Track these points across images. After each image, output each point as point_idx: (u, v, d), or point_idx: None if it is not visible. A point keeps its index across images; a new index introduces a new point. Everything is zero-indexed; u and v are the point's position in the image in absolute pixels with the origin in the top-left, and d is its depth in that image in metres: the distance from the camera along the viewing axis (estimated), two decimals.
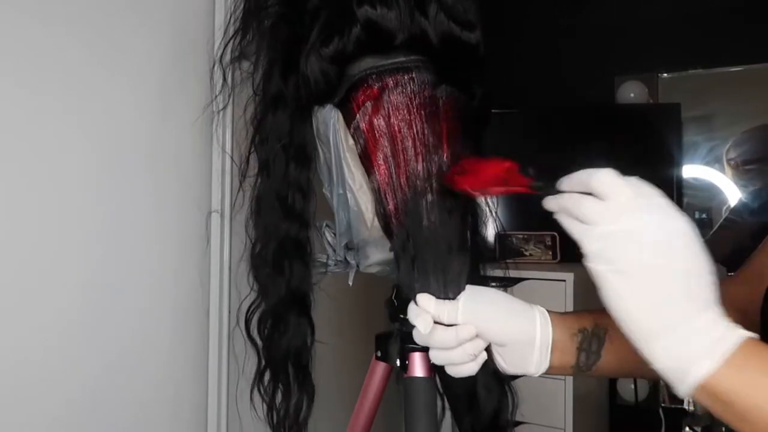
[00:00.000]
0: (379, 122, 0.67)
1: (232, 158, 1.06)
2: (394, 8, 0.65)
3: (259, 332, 0.75)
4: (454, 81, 0.69)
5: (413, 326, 0.64)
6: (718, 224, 2.07)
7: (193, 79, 1.00)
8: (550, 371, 0.66)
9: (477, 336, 0.62)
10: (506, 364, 0.64)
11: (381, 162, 0.67)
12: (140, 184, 0.95)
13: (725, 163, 2.14)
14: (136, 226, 0.95)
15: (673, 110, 1.98)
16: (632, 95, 2.16)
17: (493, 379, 0.66)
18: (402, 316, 0.76)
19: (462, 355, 0.62)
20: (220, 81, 0.78)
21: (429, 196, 0.66)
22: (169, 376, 1.02)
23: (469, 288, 0.64)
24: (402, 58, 0.68)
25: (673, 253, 0.48)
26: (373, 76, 0.67)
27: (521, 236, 1.95)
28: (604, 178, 0.51)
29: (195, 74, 1.00)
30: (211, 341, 1.08)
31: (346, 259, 0.78)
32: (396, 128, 0.67)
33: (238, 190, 0.79)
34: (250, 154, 0.76)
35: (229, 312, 1.09)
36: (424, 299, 0.63)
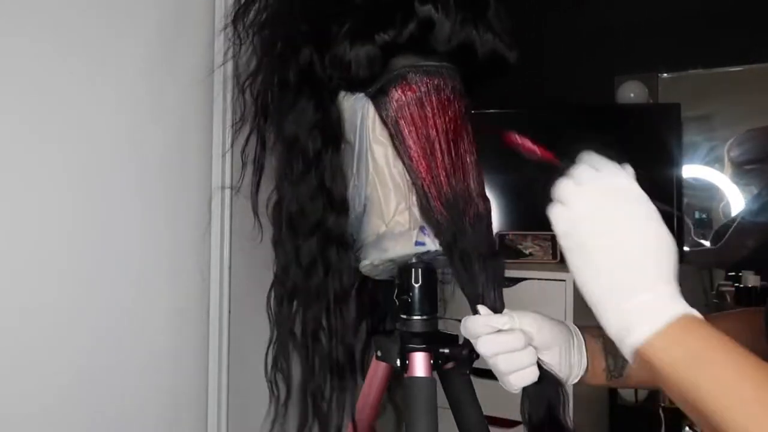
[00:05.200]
0: (419, 120, 0.69)
1: (233, 125, 1.04)
2: (451, 17, 0.68)
3: (312, 333, 0.73)
4: (477, 91, 0.73)
5: (471, 339, 0.65)
6: (732, 228, 2.07)
7: (190, 74, 0.99)
8: (587, 378, 0.70)
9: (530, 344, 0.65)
10: (555, 368, 0.67)
11: (421, 159, 0.69)
12: (137, 181, 0.95)
13: (726, 160, 2.14)
14: (133, 222, 0.94)
15: (673, 110, 1.97)
16: (632, 95, 2.16)
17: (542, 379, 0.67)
18: (402, 316, 0.76)
19: (530, 356, 0.64)
20: (225, 47, 0.78)
21: (471, 205, 0.69)
22: (169, 376, 1.02)
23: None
24: (437, 63, 0.70)
25: (626, 233, 0.52)
26: (413, 74, 0.69)
27: (521, 236, 1.95)
28: (581, 167, 0.57)
29: (194, 48, 0.99)
30: (211, 341, 1.08)
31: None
32: (435, 129, 0.69)
33: (241, 176, 0.78)
34: (250, 134, 0.76)
35: (230, 312, 1.09)
36: (485, 309, 0.65)
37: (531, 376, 0.64)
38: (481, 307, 0.65)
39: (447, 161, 0.68)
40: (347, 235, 0.73)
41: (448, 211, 0.68)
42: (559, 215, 0.56)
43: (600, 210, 0.54)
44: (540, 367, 0.65)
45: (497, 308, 0.66)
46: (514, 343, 0.63)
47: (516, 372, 0.64)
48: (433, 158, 0.68)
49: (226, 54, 0.79)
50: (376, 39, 0.67)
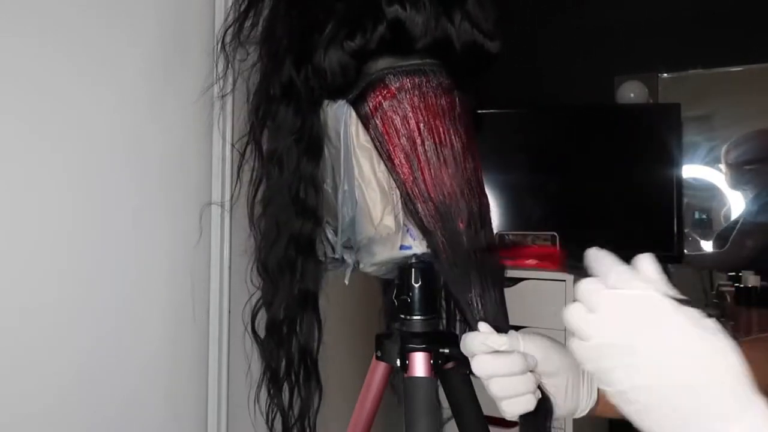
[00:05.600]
0: (398, 122, 0.68)
1: (233, 145, 1.04)
2: (422, 12, 0.66)
3: (268, 332, 0.74)
4: (466, 86, 0.71)
5: (468, 356, 0.61)
6: (736, 230, 2.07)
7: (189, 67, 1.00)
8: (599, 409, 0.63)
9: (533, 370, 0.61)
10: (561, 398, 0.62)
11: (403, 161, 0.68)
12: (137, 182, 0.95)
13: (724, 163, 2.14)
14: (133, 223, 0.94)
15: (673, 110, 1.98)
16: (632, 95, 2.16)
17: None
18: (402, 316, 0.76)
19: (527, 383, 0.60)
20: (221, 66, 0.78)
21: (461, 204, 0.66)
22: (168, 376, 1.02)
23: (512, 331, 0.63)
24: (418, 61, 0.69)
25: (671, 370, 0.42)
26: (391, 76, 0.68)
27: (521, 236, 1.95)
28: (585, 286, 0.46)
29: (193, 59, 0.99)
30: (211, 341, 1.08)
31: (342, 257, 0.78)
32: (416, 129, 0.68)
33: (236, 183, 0.79)
34: (247, 145, 0.77)
35: (230, 312, 1.09)
36: (486, 327, 0.61)
37: (526, 404, 0.59)
38: (482, 324, 0.61)
39: (433, 160, 0.67)
40: (314, 242, 0.73)
41: (435, 212, 0.66)
42: (579, 352, 0.46)
43: (626, 339, 0.43)
44: (541, 392, 0.61)
45: (498, 318, 0.62)
46: (510, 367, 0.59)
47: (510, 398, 0.59)
48: (416, 159, 0.67)
49: (225, 67, 0.79)
50: (345, 47, 0.66)
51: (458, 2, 0.68)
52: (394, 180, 0.69)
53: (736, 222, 2.13)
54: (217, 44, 0.78)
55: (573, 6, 2.30)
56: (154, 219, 0.97)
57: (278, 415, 0.75)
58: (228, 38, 0.77)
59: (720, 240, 2.16)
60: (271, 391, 0.74)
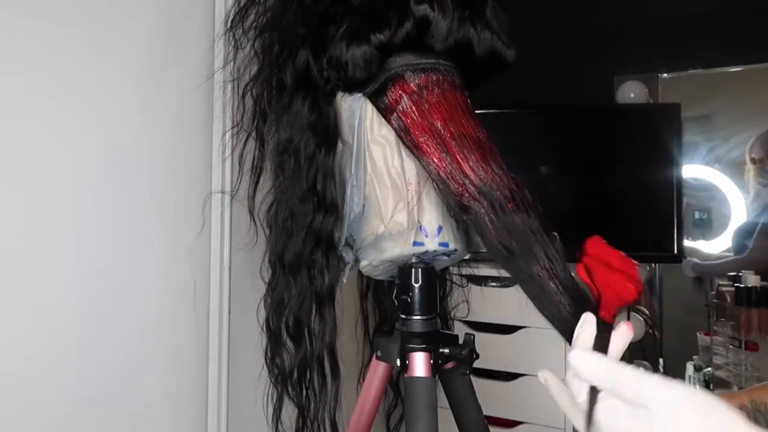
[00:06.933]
0: (422, 115, 0.69)
1: (234, 128, 1.04)
2: (447, 15, 0.68)
3: (295, 331, 0.73)
4: (475, 88, 0.73)
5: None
6: (756, 233, 2.04)
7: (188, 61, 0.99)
8: None
9: None
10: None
11: (433, 149, 0.68)
12: (137, 181, 0.95)
13: (747, 160, 2.11)
14: (135, 225, 0.94)
15: (673, 110, 1.97)
16: (632, 95, 2.16)
17: None
18: (403, 316, 0.76)
19: None
20: (225, 51, 0.78)
21: (502, 186, 0.65)
22: (169, 376, 1.02)
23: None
24: (434, 60, 0.70)
25: None
26: (409, 72, 0.70)
27: None
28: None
29: (193, 46, 0.99)
30: (211, 341, 1.08)
31: (341, 255, 0.78)
32: (441, 121, 0.68)
33: (238, 174, 0.78)
34: (248, 136, 0.77)
35: (229, 312, 1.09)
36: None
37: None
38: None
39: (464, 147, 0.67)
40: (335, 236, 0.72)
41: (477, 193, 0.65)
42: None
43: None
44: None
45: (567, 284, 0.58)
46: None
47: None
48: (445, 147, 0.67)
49: (226, 57, 0.79)
50: (372, 39, 0.67)
51: (479, 10, 0.71)
52: (424, 167, 0.69)
53: (752, 224, 2.09)
54: (225, 33, 0.78)
55: (573, 6, 2.29)
56: (154, 218, 0.97)
57: (279, 414, 0.75)
58: (231, 25, 0.77)
59: (738, 242, 2.11)
60: (289, 390, 0.74)
